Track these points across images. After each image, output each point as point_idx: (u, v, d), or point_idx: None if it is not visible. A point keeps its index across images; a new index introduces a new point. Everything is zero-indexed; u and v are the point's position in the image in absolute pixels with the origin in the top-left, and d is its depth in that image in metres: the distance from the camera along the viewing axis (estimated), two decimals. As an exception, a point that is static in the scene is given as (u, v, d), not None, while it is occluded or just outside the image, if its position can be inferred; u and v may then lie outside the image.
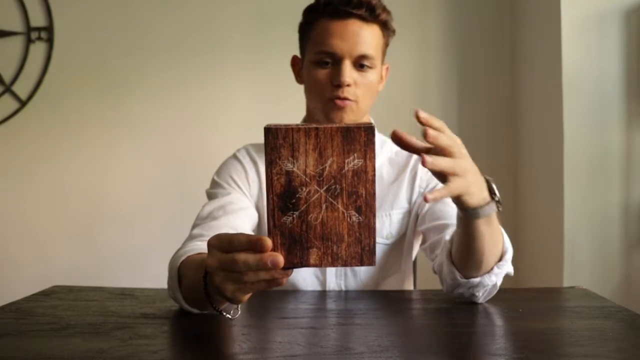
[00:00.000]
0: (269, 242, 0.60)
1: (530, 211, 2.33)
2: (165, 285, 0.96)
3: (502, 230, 0.95)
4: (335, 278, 1.15)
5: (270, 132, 0.60)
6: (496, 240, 0.90)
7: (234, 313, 0.80)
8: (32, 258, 2.53)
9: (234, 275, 0.64)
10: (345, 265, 0.62)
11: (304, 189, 0.60)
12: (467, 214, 0.83)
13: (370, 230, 0.61)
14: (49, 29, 2.51)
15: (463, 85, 2.51)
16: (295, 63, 1.20)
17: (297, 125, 0.60)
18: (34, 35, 2.50)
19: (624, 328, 0.84)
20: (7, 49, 2.50)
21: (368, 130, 0.60)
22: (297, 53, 1.20)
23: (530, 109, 2.33)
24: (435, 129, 0.72)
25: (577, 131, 1.96)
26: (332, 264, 0.62)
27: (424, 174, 1.19)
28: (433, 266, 1.08)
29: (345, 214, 0.61)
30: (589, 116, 1.96)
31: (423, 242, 1.19)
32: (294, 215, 0.61)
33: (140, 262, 2.46)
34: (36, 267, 2.51)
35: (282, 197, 0.60)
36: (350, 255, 0.61)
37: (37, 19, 2.51)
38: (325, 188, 0.61)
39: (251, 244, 0.61)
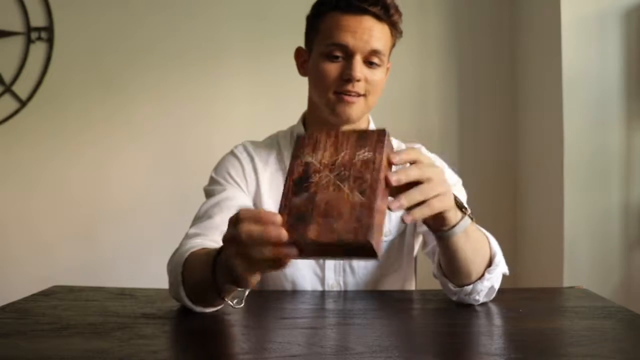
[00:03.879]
0: (274, 217, 0.64)
1: (530, 211, 2.33)
2: (165, 285, 0.96)
3: (487, 234, 0.97)
4: (334, 274, 1.15)
5: (299, 137, 0.71)
6: (480, 248, 0.93)
7: (238, 303, 0.79)
8: (33, 258, 2.53)
9: (241, 249, 0.66)
10: (340, 239, 0.62)
11: (317, 175, 0.67)
12: (444, 235, 0.85)
13: (370, 210, 0.63)
14: (49, 29, 2.51)
15: (463, 86, 2.51)
16: (300, 55, 1.18)
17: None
18: (34, 35, 2.50)
19: (624, 328, 0.84)
20: (7, 49, 2.50)
21: (381, 132, 0.69)
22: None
23: (530, 109, 2.33)
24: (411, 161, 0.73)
25: (577, 131, 1.96)
26: (328, 238, 0.63)
27: None
28: (433, 271, 1.08)
29: (350, 195, 0.64)
30: (589, 116, 1.96)
31: (424, 246, 1.19)
32: (304, 196, 0.65)
33: (141, 262, 2.46)
34: (37, 267, 2.50)
35: (297, 182, 0.67)
36: (346, 229, 0.62)
37: (37, 19, 2.51)
38: (335, 174, 0.66)
39: (256, 217, 0.65)
